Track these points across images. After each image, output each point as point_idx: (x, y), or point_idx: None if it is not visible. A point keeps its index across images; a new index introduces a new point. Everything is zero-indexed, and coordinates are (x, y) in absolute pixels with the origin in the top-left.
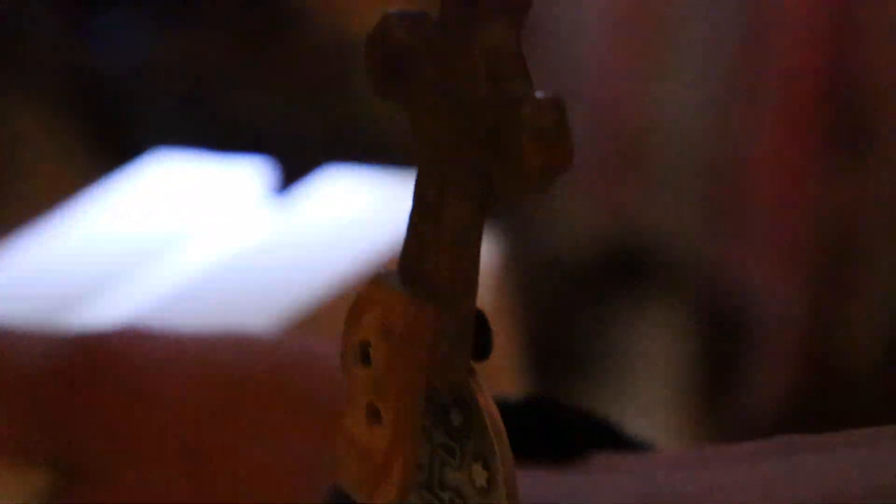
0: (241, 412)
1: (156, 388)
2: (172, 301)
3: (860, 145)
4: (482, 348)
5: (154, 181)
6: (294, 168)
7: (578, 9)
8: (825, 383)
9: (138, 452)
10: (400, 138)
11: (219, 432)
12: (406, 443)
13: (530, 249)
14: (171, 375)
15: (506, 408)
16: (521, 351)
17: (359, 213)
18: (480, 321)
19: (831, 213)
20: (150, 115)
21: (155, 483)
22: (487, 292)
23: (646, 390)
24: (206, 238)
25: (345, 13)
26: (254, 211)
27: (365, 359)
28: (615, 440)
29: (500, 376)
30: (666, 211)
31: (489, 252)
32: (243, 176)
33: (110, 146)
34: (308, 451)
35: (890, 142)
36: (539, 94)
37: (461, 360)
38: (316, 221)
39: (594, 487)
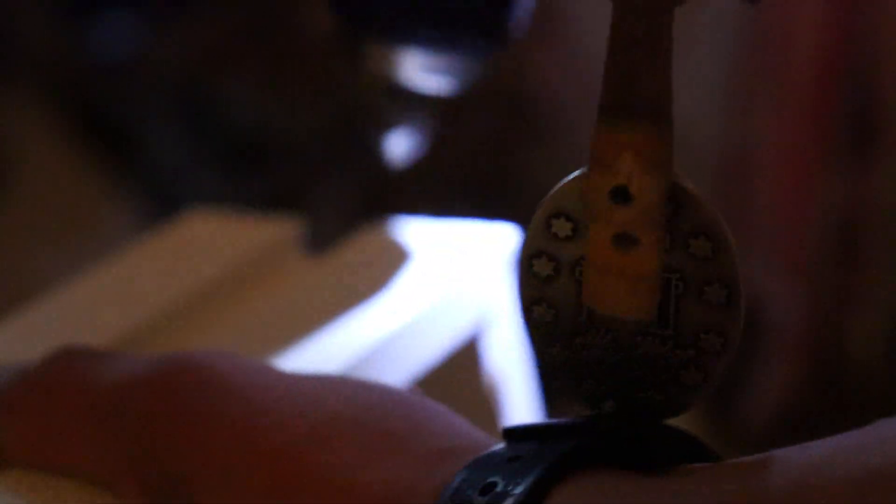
0: (335, 445)
1: (247, 413)
2: None
3: (868, 147)
4: None
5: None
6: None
7: (591, 9)
8: (827, 382)
9: (228, 479)
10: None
11: (312, 464)
12: (661, 254)
13: None
14: (265, 401)
15: (591, 422)
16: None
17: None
18: None
19: (838, 214)
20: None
21: None
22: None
23: None
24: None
25: None
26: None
27: (620, 199)
28: (697, 453)
29: None
30: None
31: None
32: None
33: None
34: (400, 489)
35: None
36: None
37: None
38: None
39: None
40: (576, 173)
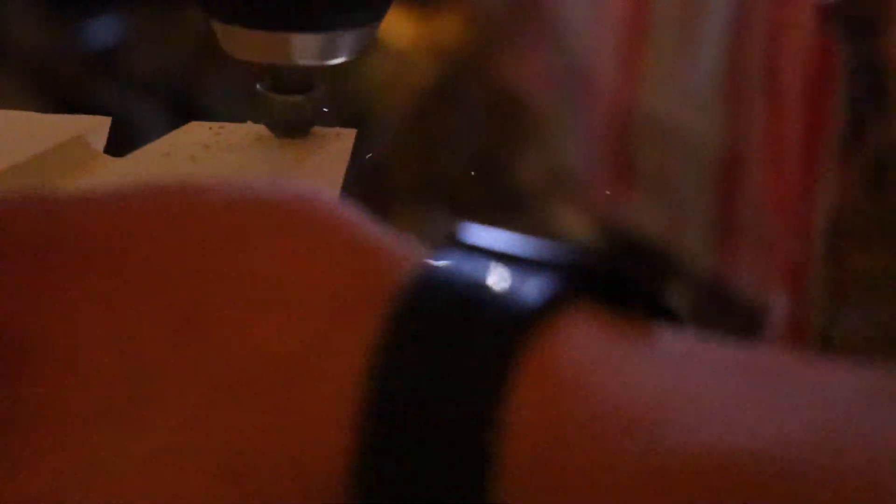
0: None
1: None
2: None
3: (862, 144)
4: None
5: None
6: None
7: (582, 11)
8: None
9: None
10: None
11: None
12: None
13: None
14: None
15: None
16: None
17: None
18: None
19: (834, 212)
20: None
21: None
22: None
23: None
24: None
25: None
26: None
27: None
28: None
29: None
30: (668, 215)
31: None
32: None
33: None
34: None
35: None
36: None
37: None
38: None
39: None
40: None
